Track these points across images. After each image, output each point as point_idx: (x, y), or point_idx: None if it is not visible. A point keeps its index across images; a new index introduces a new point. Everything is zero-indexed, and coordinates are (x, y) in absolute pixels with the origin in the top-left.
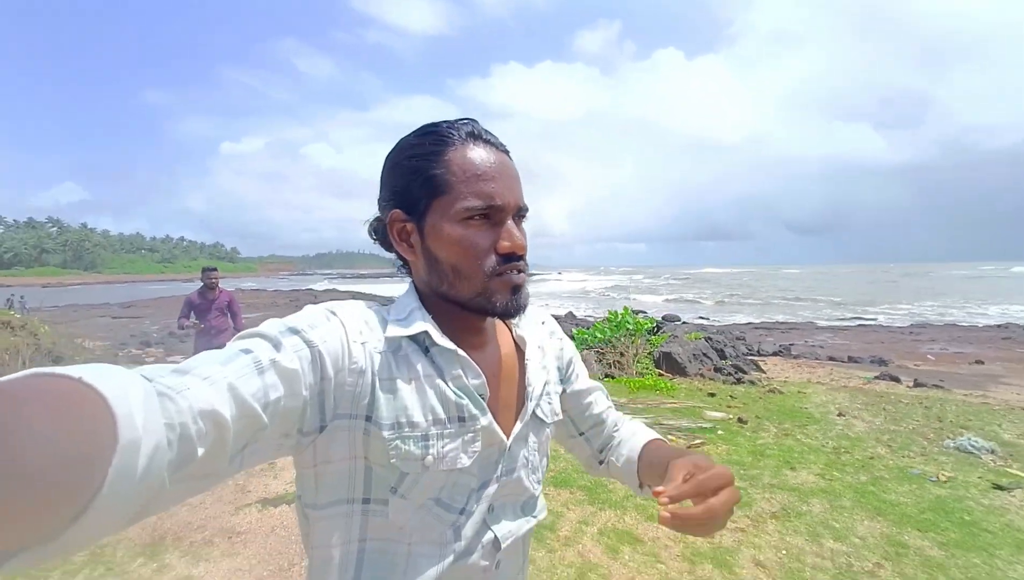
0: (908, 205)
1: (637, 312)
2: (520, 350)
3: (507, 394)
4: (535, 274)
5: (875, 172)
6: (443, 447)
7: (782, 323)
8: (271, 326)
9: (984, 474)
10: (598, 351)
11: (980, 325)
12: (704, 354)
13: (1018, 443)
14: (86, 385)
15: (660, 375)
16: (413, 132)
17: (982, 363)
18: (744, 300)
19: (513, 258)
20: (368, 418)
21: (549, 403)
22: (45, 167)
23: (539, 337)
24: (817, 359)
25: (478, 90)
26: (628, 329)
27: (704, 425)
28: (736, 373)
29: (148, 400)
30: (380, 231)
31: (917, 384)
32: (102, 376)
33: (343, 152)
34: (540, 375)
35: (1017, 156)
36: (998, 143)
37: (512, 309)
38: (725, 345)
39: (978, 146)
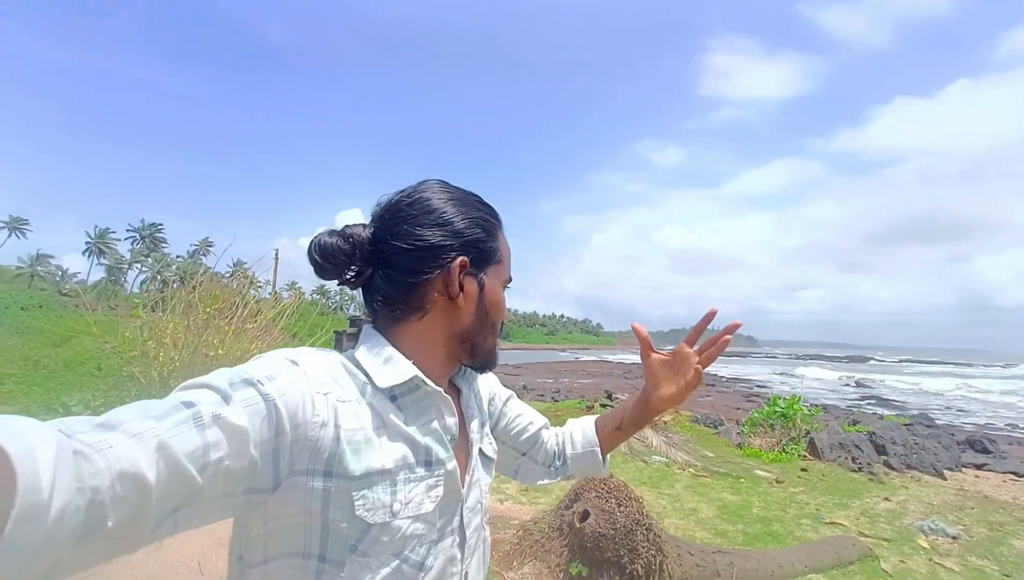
0: None
1: None
2: (457, 394)
3: (460, 441)
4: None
5: None
6: (409, 492)
7: None
8: (222, 376)
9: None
10: (760, 427)
11: None
12: (855, 445)
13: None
14: None
15: (802, 456)
16: (468, 191)
17: None
18: None
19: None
20: (328, 473)
21: (490, 443)
22: None
23: (470, 381)
24: None
25: (847, 142)
26: (780, 413)
27: (736, 475)
28: (869, 465)
29: (60, 458)
30: (426, 259)
31: None
32: (7, 430)
33: (693, 230)
34: (476, 416)
35: None
36: None
37: (492, 366)
38: (895, 442)
39: None
